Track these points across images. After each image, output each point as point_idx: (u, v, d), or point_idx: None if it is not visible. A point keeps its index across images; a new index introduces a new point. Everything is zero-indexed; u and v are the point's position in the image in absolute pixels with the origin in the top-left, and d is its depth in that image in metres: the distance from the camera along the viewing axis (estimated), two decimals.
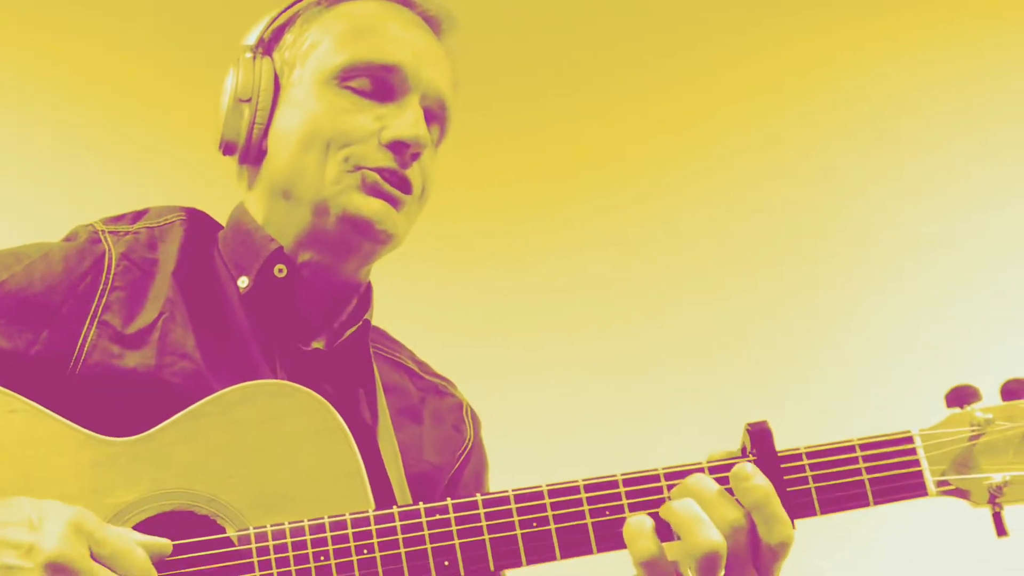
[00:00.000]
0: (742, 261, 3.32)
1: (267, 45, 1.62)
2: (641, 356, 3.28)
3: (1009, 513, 1.28)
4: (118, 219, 1.57)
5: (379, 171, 1.52)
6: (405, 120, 1.53)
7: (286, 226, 1.56)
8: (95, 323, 1.45)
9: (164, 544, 1.27)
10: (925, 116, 3.27)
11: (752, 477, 1.23)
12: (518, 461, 1.88)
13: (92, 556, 1.19)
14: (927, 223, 3.18)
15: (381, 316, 1.74)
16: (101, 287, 1.48)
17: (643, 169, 3.46)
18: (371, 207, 1.51)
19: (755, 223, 3.34)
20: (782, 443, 1.30)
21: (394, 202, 1.53)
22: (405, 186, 1.54)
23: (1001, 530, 1.28)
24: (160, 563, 1.26)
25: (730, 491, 1.25)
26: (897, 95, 3.29)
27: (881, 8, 3.36)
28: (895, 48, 3.33)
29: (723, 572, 1.22)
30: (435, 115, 1.60)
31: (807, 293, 3.26)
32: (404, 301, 1.80)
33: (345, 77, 1.55)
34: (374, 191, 1.52)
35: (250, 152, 1.59)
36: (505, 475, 1.61)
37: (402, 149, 1.52)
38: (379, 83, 1.55)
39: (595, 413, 3.12)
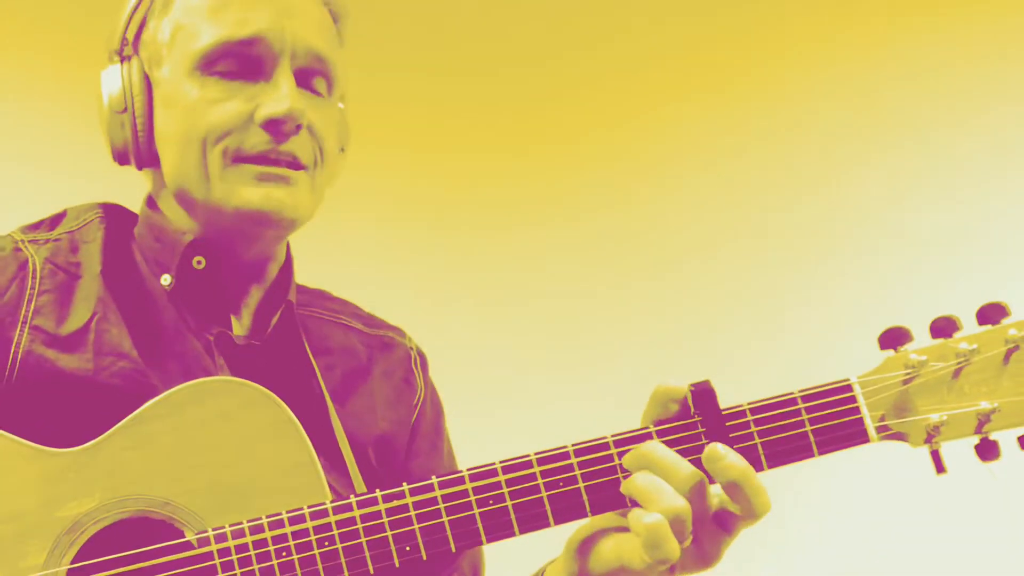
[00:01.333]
0: (731, 253, 3.39)
1: (133, 44, 1.56)
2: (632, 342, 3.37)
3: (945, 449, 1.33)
4: (36, 226, 1.55)
5: (260, 156, 1.47)
6: (276, 95, 1.47)
7: (190, 224, 1.54)
8: (26, 328, 1.43)
9: None
10: (925, 111, 3.33)
11: (725, 456, 1.25)
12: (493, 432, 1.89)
13: None
14: (926, 218, 3.24)
15: (356, 280, 1.73)
16: (28, 292, 1.46)
17: (638, 158, 3.54)
18: (265, 198, 1.47)
19: (752, 218, 3.42)
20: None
21: (287, 181, 1.49)
22: (293, 163, 1.49)
23: (940, 467, 1.32)
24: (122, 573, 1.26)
25: (674, 444, 1.28)
26: (897, 90, 3.34)
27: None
28: (894, 44, 3.39)
29: (691, 536, 1.26)
30: (314, 70, 1.53)
31: (806, 290, 3.34)
32: (380, 267, 1.80)
33: (207, 64, 1.48)
34: (263, 178, 1.47)
35: (142, 158, 1.54)
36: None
37: (277, 127, 1.47)
38: (244, 60, 1.49)
39: (552, 384, 3.18)
